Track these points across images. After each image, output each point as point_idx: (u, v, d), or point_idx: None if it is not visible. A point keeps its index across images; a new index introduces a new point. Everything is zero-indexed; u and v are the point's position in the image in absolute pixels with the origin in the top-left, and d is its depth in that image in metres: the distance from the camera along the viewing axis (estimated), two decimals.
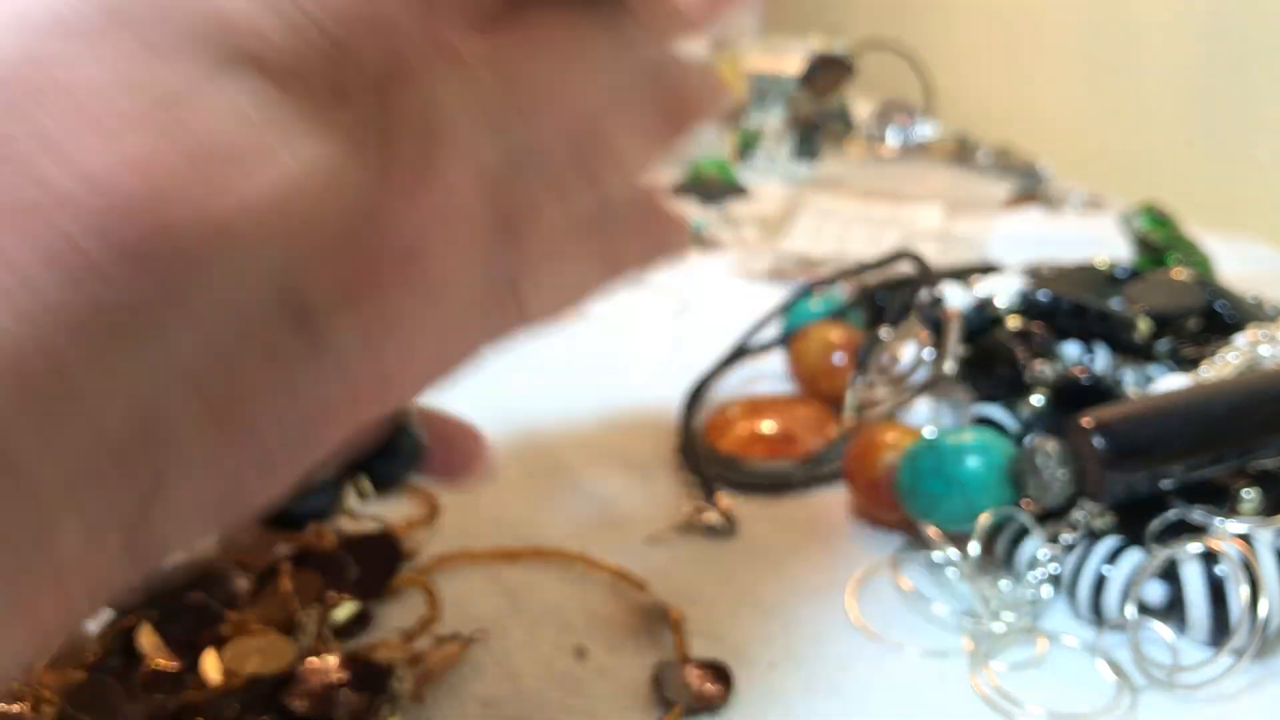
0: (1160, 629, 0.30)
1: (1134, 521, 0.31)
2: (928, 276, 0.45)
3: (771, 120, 0.88)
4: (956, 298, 0.42)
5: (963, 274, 0.47)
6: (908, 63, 1.00)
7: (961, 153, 0.89)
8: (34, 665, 0.16)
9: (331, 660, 0.28)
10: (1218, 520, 0.30)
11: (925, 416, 0.40)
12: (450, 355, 0.20)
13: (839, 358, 0.44)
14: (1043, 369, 0.37)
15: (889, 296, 0.47)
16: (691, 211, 0.72)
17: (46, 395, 0.13)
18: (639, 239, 0.24)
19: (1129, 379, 0.38)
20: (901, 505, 0.34)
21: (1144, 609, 0.30)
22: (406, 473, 0.24)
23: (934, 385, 0.39)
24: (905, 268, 0.48)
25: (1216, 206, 0.78)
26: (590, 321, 0.56)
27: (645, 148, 0.22)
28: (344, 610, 0.30)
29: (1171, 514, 0.31)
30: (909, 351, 0.40)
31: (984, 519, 0.33)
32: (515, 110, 0.18)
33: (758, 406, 0.43)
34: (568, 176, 0.20)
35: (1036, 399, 0.36)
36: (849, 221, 0.71)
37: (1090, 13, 0.98)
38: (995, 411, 0.37)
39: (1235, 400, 0.32)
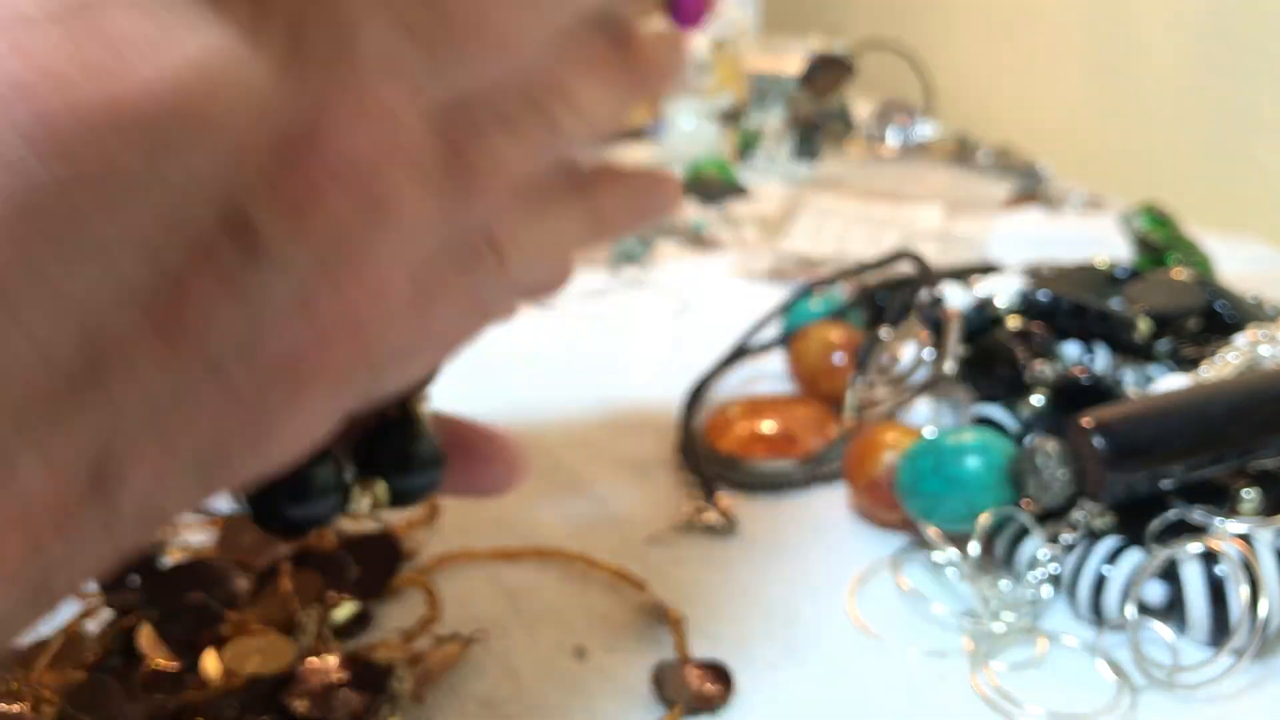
0: (1160, 629, 0.30)
1: (1134, 521, 0.31)
2: (928, 276, 0.45)
3: (771, 120, 0.88)
4: (956, 298, 0.42)
5: (963, 274, 0.47)
6: (908, 63, 1.00)
7: (961, 153, 0.89)
8: (16, 629, 0.16)
9: (331, 660, 0.28)
10: (1218, 520, 0.30)
11: (925, 416, 0.40)
12: (432, 309, 0.20)
13: (839, 358, 0.44)
14: (1043, 369, 0.37)
15: (889, 296, 0.47)
16: (691, 211, 0.72)
17: None
18: (624, 196, 0.24)
19: (1129, 379, 0.38)
20: (901, 505, 0.34)
21: (1144, 609, 0.30)
22: (426, 487, 0.23)
23: (934, 385, 0.39)
24: (905, 268, 0.48)
25: (1216, 206, 0.78)
26: (590, 321, 0.56)
27: (606, 100, 0.22)
28: (344, 610, 0.30)
29: (1171, 514, 0.31)
30: (909, 351, 0.40)
31: (984, 519, 0.33)
32: (445, 35, 0.18)
33: (758, 406, 0.43)
34: (523, 119, 0.20)
35: (1036, 399, 0.36)
36: (849, 221, 0.71)
37: (1090, 13, 0.98)
38: (995, 411, 0.37)
39: (1235, 400, 0.32)
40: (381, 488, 0.22)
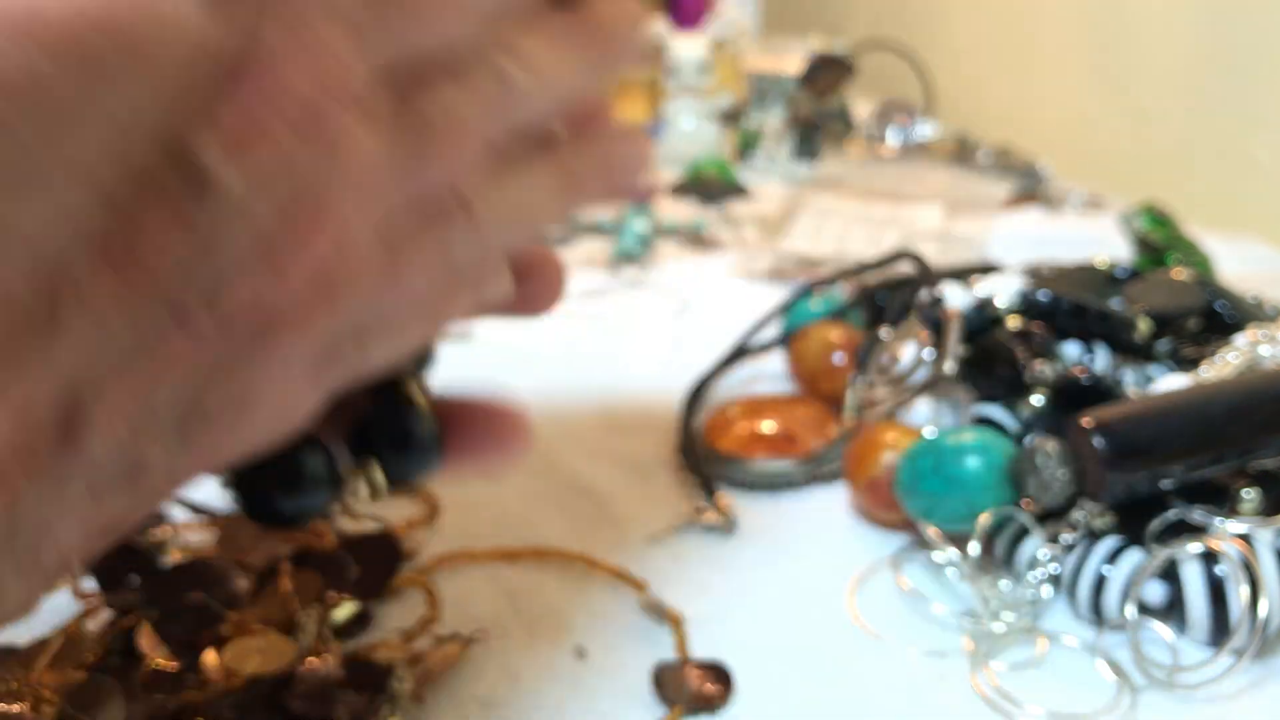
0: (1160, 629, 0.30)
1: (1134, 521, 0.31)
2: (928, 276, 0.45)
3: (771, 120, 0.88)
4: (956, 298, 0.42)
5: (963, 274, 0.47)
6: (908, 63, 1.00)
7: (961, 153, 0.89)
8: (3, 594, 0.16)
9: (331, 660, 0.28)
10: (1218, 520, 0.30)
11: (925, 416, 0.40)
12: (403, 267, 0.19)
13: (839, 358, 0.44)
14: (1043, 369, 0.37)
15: (889, 296, 0.47)
16: (691, 211, 0.72)
17: None
18: (596, 161, 0.24)
19: (1129, 379, 0.38)
20: (901, 505, 0.34)
21: (1144, 609, 0.30)
22: (424, 467, 0.23)
23: (934, 385, 0.39)
24: (905, 268, 0.48)
25: (1216, 206, 0.78)
26: (590, 321, 0.56)
27: (559, 61, 0.22)
28: (344, 610, 0.30)
29: (1171, 514, 0.31)
30: (909, 351, 0.40)
31: (984, 519, 0.33)
32: None
33: (758, 406, 0.43)
34: (471, 74, 0.20)
35: (1036, 399, 0.36)
36: (849, 221, 0.71)
37: (1090, 13, 0.98)
38: (995, 411, 0.37)
39: (1235, 400, 0.32)
40: (377, 471, 0.22)
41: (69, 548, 0.17)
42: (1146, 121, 0.90)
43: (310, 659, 0.28)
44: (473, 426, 0.24)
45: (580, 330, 0.55)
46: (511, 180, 0.22)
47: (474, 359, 0.41)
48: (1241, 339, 0.37)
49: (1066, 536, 0.32)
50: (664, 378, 0.47)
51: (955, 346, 0.39)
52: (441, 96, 0.20)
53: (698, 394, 0.45)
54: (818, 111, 0.88)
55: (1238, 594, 0.29)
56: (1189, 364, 0.38)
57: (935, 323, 0.41)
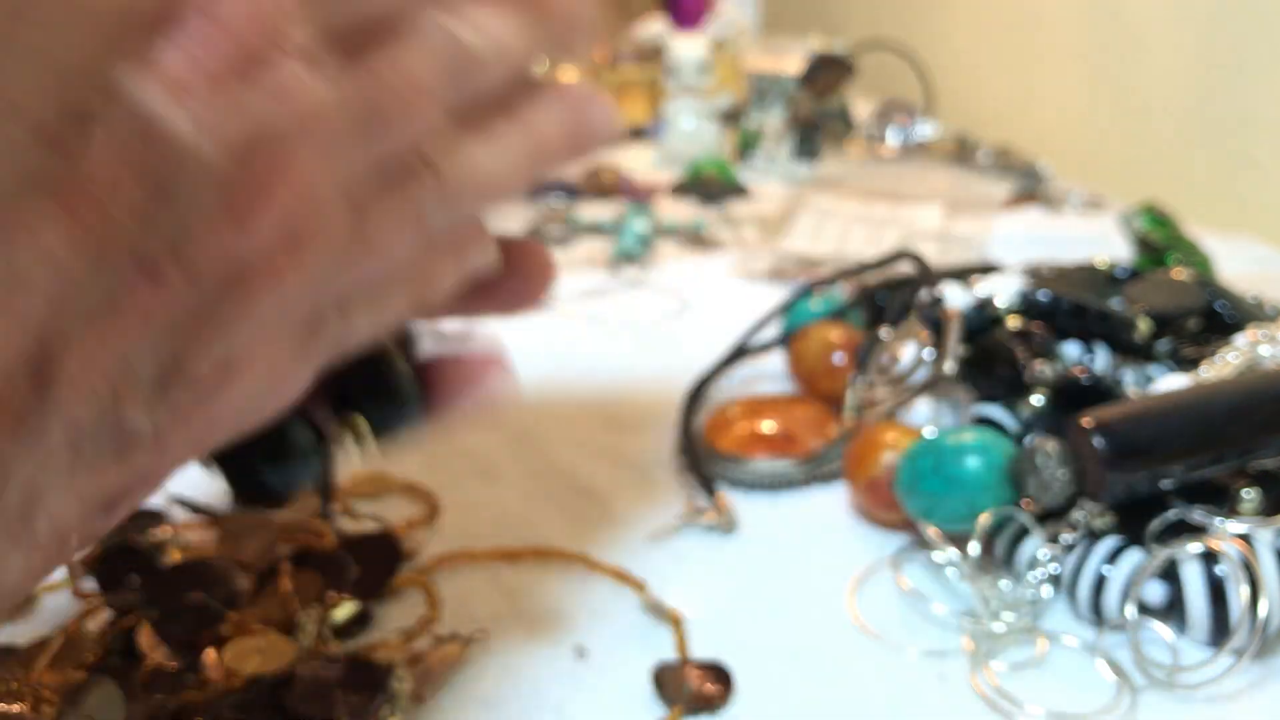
0: (1160, 629, 0.30)
1: (1134, 521, 0.31)
2: (928, 276, 0.45)
3: (771, 120, 0.88)
4: (956, 298, 0.42)
5: (963, 274, 0.47)
6: (908, 63, 1.00)
7: (961, 153, 0.89)
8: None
9: (331, 660, 0.28)
10: (1218, 520, 0.30)
11: (925, 416, 0.40)
12: (372, 228, 0.19)
13: (839, 358, 0.44)
14: (1043, 369, 0.37)
15: (889, 296, 0.47)
16: (691, 211, 0.72)
17: None
18: (561, 121, 0.24)
19: (1129, 379, 0.38)
20: (901, 505, 0.34)
21: (1144, 609, 0.30)
22: (406, 416, 0.23)
23: (934, 385, 0.39)
24: (905, 268, 0.48)
25: (1216, 206, 0.78)
26: (590, 321, 0.56)
27: (508, 27, 0.22)
28: (344, 610, 0.30)
29: (1171, 514, 0.31)
30: (909, 351, 0.40)
31: (984, 519, 0.33)
32: None
33: (758, 406, 0.43)
34: (424, 37, 0.20)
35: (1036, 399, 0.36)
36: (849, 221, 0.71)
37: (1090, 13, 0.98)
38: (995, 411, 0.37)
39: (1235, 400, 0.32)
40: (361, 421, 0.22)
41: (63, 519, 0.17)
42: (1146, 121, 0.90)
43: (310, 659, 0.28)
44: (453, 373, 0.24)
45: (580, 330, 0.55)
46: (476, 142, 0.22)
47: None
48: (1241, 339, 0.37)
49: (1066, 536, 0.32)
50: (664, 378, 0.47)
51: (955, 346, 0.39)
52: (392, 55, 0.19)
53: (698, 394, 0.45)
54: (818, 111, 0.88)
55: (1238, 594, 0.29)
56: (1189, 364, 0.38)
57: (935, 323, 0.41)
